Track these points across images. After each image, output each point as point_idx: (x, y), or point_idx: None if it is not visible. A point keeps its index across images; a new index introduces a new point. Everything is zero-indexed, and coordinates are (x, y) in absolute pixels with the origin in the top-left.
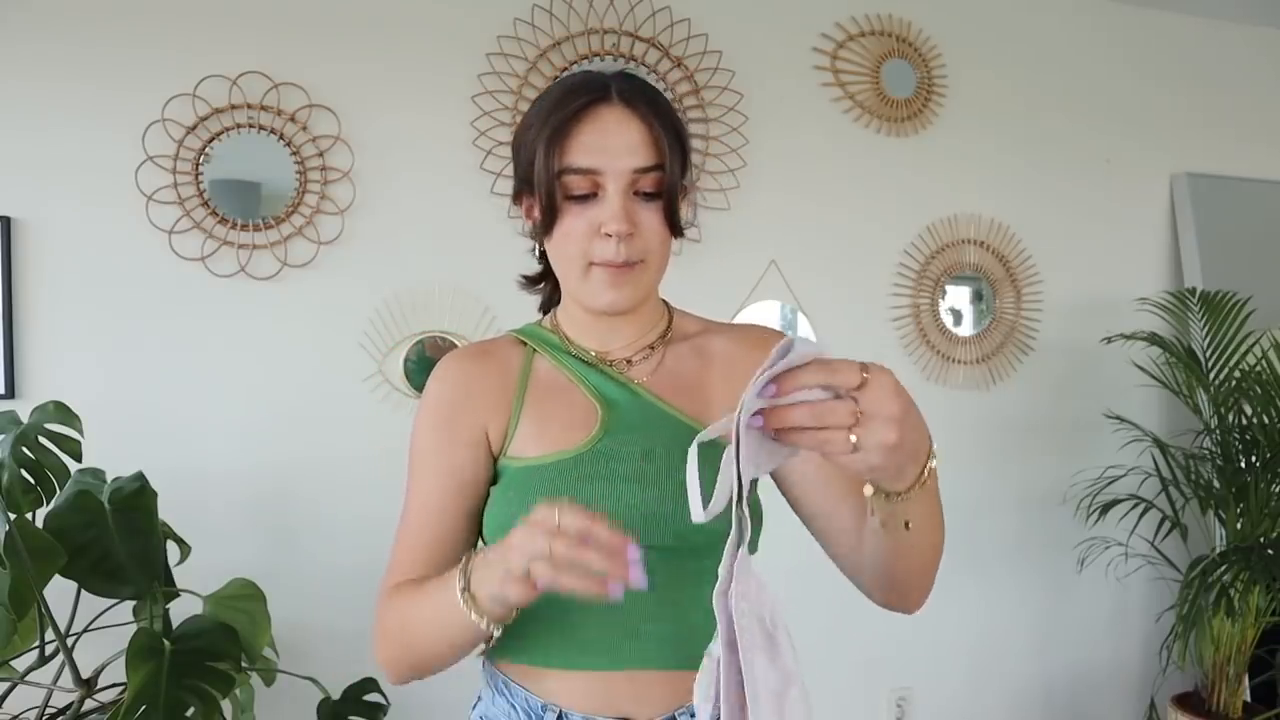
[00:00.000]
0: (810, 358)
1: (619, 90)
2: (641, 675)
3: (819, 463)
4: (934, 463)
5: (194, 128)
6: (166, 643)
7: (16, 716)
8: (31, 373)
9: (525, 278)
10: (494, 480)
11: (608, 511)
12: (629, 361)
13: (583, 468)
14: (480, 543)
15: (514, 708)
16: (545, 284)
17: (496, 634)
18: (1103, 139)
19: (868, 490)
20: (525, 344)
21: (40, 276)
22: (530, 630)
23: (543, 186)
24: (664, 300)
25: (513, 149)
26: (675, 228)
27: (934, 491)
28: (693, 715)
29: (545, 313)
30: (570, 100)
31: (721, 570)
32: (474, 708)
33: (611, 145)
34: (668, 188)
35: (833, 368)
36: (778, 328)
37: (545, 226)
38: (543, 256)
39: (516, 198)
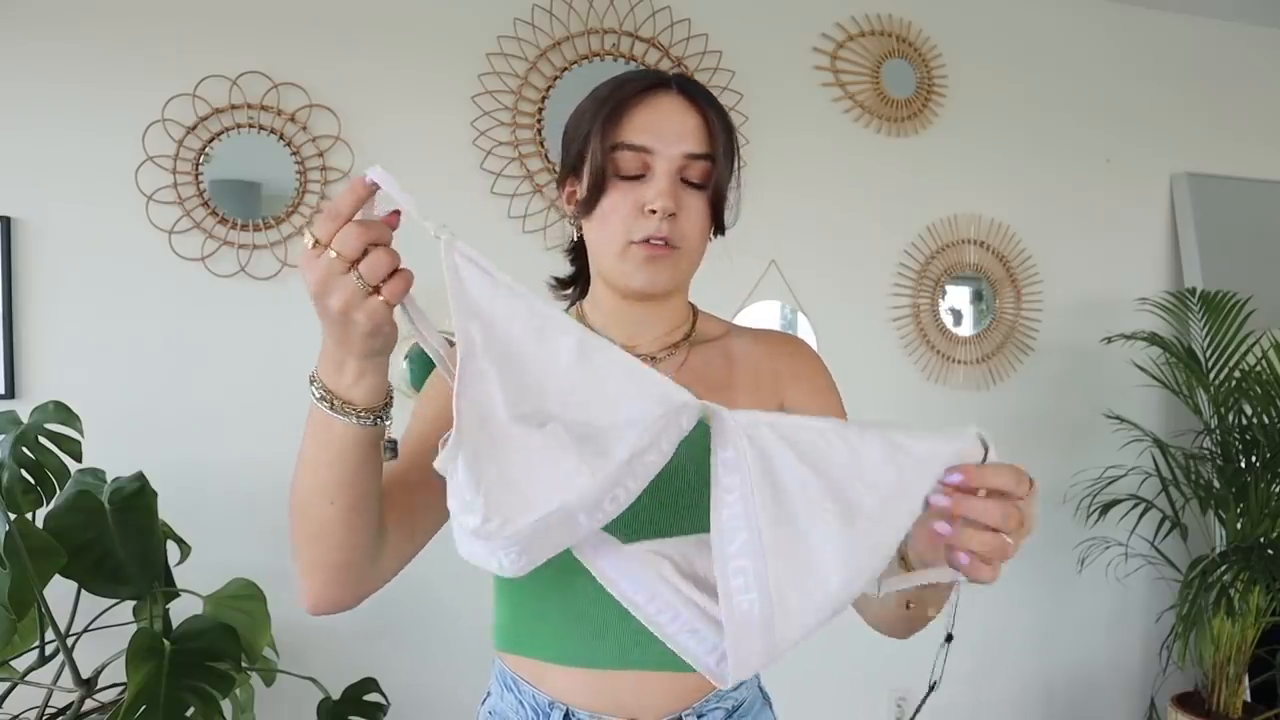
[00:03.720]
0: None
1: (679, 82)
2: (650, 676)
3: None
4: None
5: (194, 128)
6: (166, 643)
7: (16, 716)
8: (31, 373)
9: (556, 279)
10: None
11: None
12: (654, 358)
13: None
14: None
15: (522, 704)
16: (574, 287)
17: (389, 428)
18: (1103, 139)
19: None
20: None
21: (40, 276)
22: (538, 628)
23: (593, 162)
24: (690, 302)
25: (564, 133)
26: (718, 224)
27: None
28: (699, 716)
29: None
30: (630, 84)
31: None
32: (483, 702)
33: (666, 129)
34: (715, 180)
35: (1019, 475)
36: (778, 328)
37: (588, 205)
38: (576, 250)
39: (560, 183)
